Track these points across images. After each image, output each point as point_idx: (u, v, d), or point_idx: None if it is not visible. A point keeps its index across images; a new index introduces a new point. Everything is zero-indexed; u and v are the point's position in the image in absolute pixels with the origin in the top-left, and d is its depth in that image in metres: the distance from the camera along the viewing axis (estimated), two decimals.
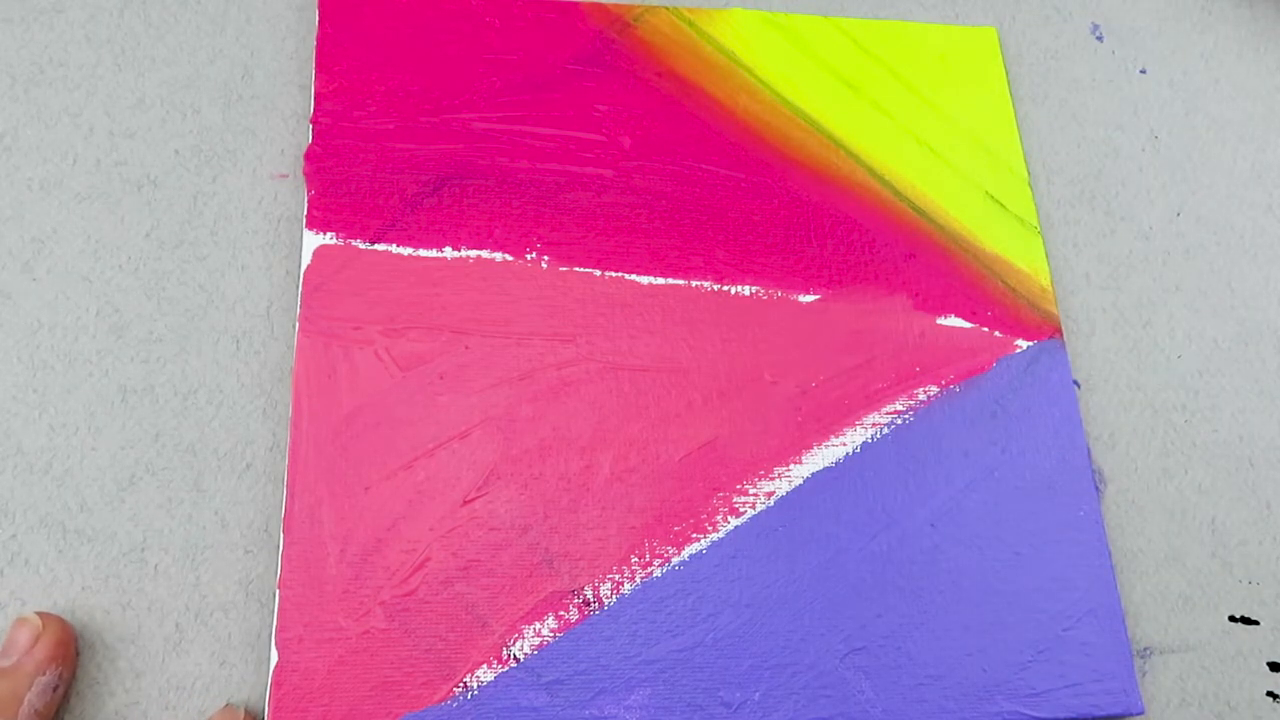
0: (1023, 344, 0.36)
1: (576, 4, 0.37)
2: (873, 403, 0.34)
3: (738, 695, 0.30)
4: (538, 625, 0.29)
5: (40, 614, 0.27)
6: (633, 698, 0.29)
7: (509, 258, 0.33)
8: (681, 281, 0.34)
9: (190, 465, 0.30)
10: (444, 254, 0.33)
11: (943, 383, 0.35)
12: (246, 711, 0.27)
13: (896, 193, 0.37)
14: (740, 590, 0.31)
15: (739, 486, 0.32)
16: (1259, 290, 0.39)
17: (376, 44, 0.35)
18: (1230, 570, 0.35)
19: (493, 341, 0.32)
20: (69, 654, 0.27)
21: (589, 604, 0.30)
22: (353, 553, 0.29)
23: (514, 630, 0.29)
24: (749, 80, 0.38)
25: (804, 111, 0.38)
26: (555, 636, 0.29)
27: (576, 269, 0.34)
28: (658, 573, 0.31)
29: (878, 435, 0.33)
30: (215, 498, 0.30)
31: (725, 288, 0.34)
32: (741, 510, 0.32)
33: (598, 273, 0.34)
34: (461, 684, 0.28)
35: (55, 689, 0.26)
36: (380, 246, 0.33)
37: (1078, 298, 0.38)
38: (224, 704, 0.28)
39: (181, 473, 0.30)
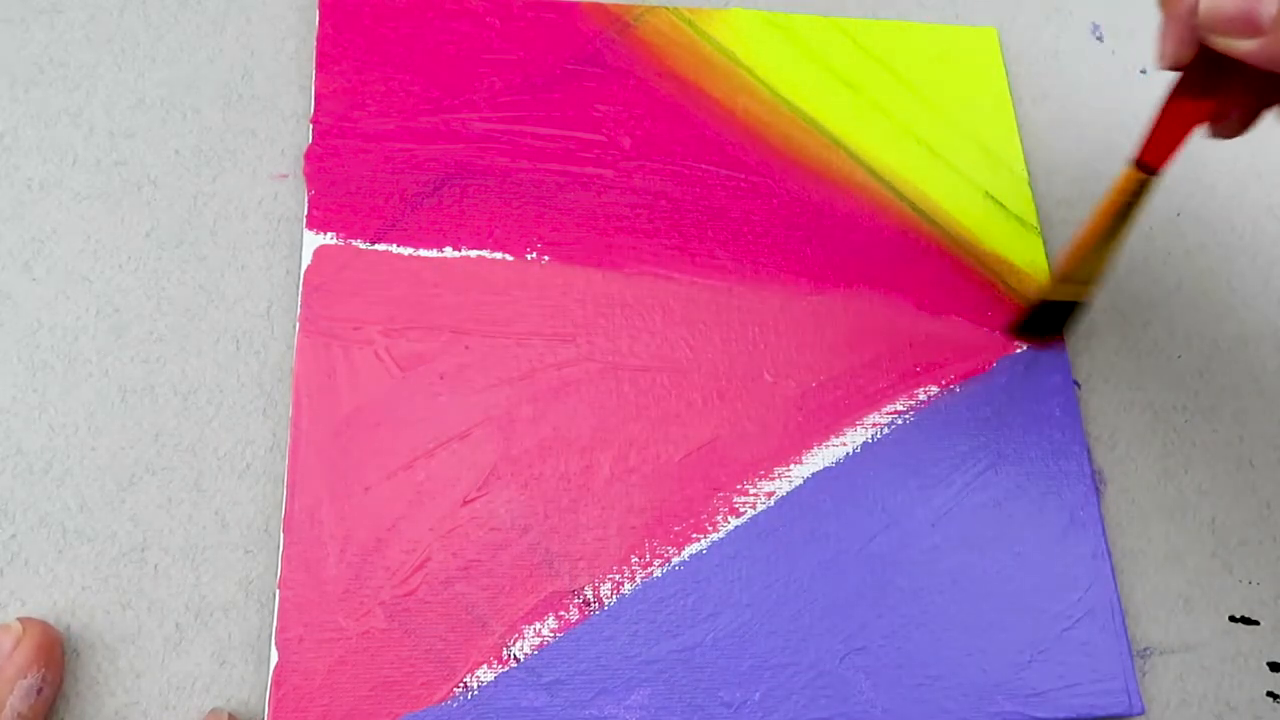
0: (1023, 344, 0.36)
1: (576, 4, 0.37)
2: (873, 403, 0.34)
3: (738, 695, 0.30)
4: (538, 625, 0.29)
5: (22, 619, 0.27)
6: (633, 698, 0.29)
7: (509, 258, 0.33)
8: (682, 281, 0.34)
9: (190, 465, 0.30)
10: (444, 254, 0.33)
11: (943, 383, 0.35)
12: (230, 715, 0.27)
13: (896, 193, 0.37)
14: (740, 590, 0.31)
15: (739, 486, 0.32)
16: (1259, 290, 0.39)
17: (376, 44, 0.35)
18: (1230, 570, 0.35)
19: (493, 341, 0.32)
20: (53, 657, 0.26)
21: (589, 604, 0.30)
22: (353, 553, 0.29)
23: (514, 630, 0.29)
24: (749, 80, 0.38)
25: (804, 111, 0.38)
26: (555, 636, 0.29)
27: (576, 269, 0.34)
28: (658, 573, 0.31)
29: (878, 435, 0.33)
30: (215, 498, 0.30)
31: (725, 288, 0.34)
32: (741, 510, 0.32)
33: (598, 273, 0.34)
34: (461, 684, 0.28)
35: (39, 691, 0.26)
36: (380, 246, 0.33)
37: None
38: (210, 709, 0.28)
39: (181, 473, 0.30)
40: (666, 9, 0.38)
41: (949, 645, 0.31)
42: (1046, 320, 0.35)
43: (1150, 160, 0.30)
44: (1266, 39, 0.25)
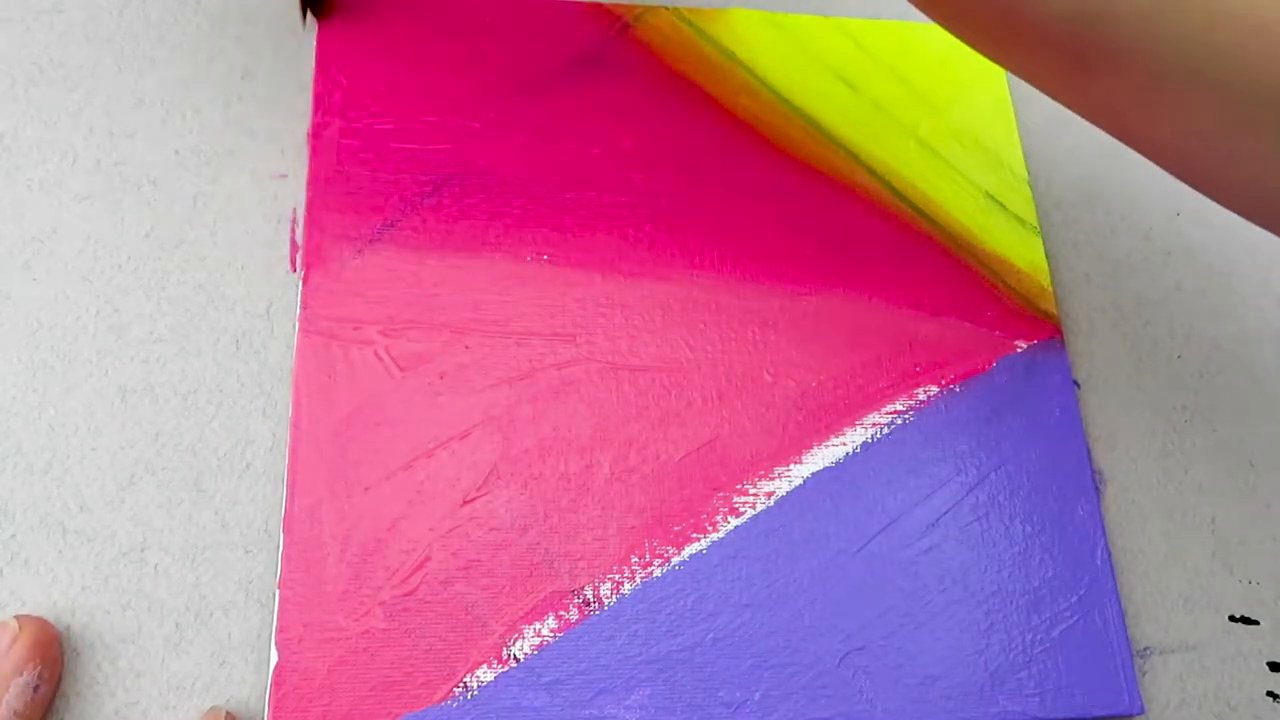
0: (1023, 344, 0.36)
1: (576, 4, 0.37)
2: (873, 403, 0.34)
3: (738, 695, 0.30)
4: (538, 625, 0.29)
5: (19, 616, 0.27)
6: (633, 698, 0.29)
7: (509, 258, 0.33)
8: (682, 281, 0.34)
9: (190, 465, 0.30)
10: (444, 254, 0.33)
11: (943, 383, 0.35)
12: (229, 714, 0.27)
13: (896, 193, 0.37)
14: (740, 590, 0.31)
15: (739, 486, 0.32)
16: (1259, 290, 0.39)
17: (376, 44, 0.35)
18: (1230, 570, 0.35)
19: (493, 341, 0.32)
20: (50, 654, 0.26)
21: (589, 604, 0.30)
22: (353, 553, 0.29)
23: (514, 630, 0.29)
24: (749, 80, 0.38)
25: (804, 111, 0.38)
26: (555, 636, 0.29)
27: (576, 269, 0.34)
28: (658, 573, 0.31)
29: (878, 435, 0.33)
30: (215, 498, 0.30)
31: (725, 287, 0.34)
32: (741, 510, 0.32)
33: (598, 273, 0.34)
34: (461, 684, 0.28)
35: (36, 688, 0.26)
36: (380, 246, 0.33)
37: (1078, 298, 0.38)
38: (209, 707, 0.28)
39: (181, 473, 0.30)
40: (666, 9, 0.38)
41: (949, 645, 0.31)
42: None
43: None
44: None
